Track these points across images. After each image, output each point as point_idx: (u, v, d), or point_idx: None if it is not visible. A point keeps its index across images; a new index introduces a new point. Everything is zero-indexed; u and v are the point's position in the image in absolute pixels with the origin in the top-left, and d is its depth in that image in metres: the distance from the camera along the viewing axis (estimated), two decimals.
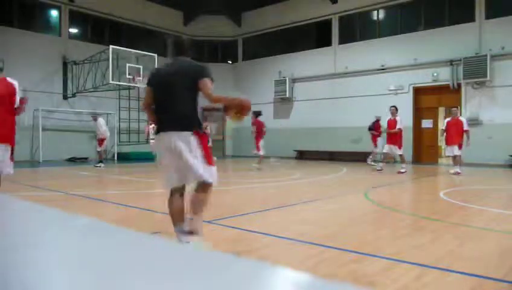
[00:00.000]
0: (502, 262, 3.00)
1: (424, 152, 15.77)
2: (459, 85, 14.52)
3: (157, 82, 3.27)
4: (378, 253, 3.14)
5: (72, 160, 15.53)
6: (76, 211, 2.67)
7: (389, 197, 6.95)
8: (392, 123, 10.85)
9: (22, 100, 4.43)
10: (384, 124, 11.50)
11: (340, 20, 17.80)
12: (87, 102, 16.59)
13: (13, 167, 4.62)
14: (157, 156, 13.91)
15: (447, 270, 2.74)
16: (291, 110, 19.22)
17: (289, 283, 0.47)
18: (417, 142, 15.67)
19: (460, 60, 14.19)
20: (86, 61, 15.68)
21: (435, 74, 14.94)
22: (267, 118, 19.36)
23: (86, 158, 15.46)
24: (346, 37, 17.61)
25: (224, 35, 21.63)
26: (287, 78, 18.82)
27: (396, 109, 11.00)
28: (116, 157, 16.98)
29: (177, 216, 3.20)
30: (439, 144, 16.47)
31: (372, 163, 12.87)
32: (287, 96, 18.86)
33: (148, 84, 3.35)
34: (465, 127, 10.32)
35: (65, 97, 16.38)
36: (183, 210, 3.24)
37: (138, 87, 15.25)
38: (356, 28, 17.47)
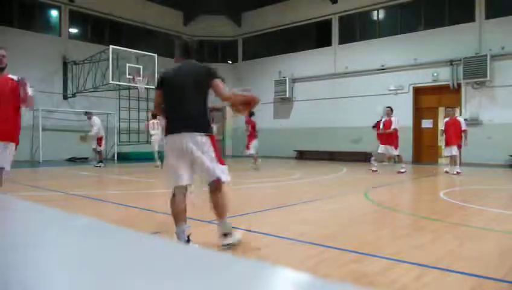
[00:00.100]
0: (502, 262, 3.00)
1: (424, 152, 15.77)
2: (459, 85, 14.52)
3: (168, 84, 3.30)
4: (378, 253, 3.14)
5: (72, 160, 15.53)
6: (76, 211, 2.67)
7: (389, 197, 6.95)
8: (387, 124, 10.86)
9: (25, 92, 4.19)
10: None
11: (340, 20, 17.80)
12: (87, 102, 16.58)
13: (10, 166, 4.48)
14: (160, 156, 13.95)
15: (447, 270, 2.74)
16: (291, 110, 19.22)
17: (289, 283, 0.47)
18: (417, 142, 15.68)
19: (460, 60, 14.19)
20: (86, 61, 15.68)
21: (435, 74, 14.94)
22: (267, 118, 19.41)
23: (86, 158, 15.45)
24: (346, 37, 17.61)
25: (224, 35, 21.63)
26: (287, 78, 18.82)
27: (392, 110, 11.03)
28: (116, 157, 16.98)
29: (179, 216, 3.23)
30: (439, 144, 16.46)
31: (385, 163, 12.88)
32: (287, 96, 18.86)
33: (159, 87, 3.39)
34: (463, 127, 10.33)
35: (65, 97, 16.38)
36: (185, 210, 3.27)
37: (138, 87, 15.24)
38: (356, 28, 17.48)
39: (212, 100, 3.51)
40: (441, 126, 11.18)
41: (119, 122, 17.29)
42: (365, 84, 16.55)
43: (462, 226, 4.20)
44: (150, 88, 16.05)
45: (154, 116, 13.61)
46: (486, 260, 3.04)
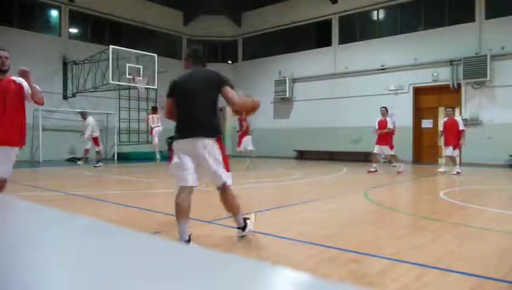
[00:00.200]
0: (502, 262, 3.00)
1: (424, 152, 15.76)
2: (459, 85, 14.51)
3: (180, 91, 3.42)
4: (378, 253, 3.14)
5: (72, 160, 15.52)
6: (76, 211, 2.67)
7: (389, 197, 6.95)
8: (382, 124, 10.87)
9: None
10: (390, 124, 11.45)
11: (340, 20, 17.80)
12: (87, 102, 16.58)
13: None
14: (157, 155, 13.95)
15: (447, 270, 2.74)
16: (291, 110, 19.22)
17: (289, 283, 0.47)
18: (417, 142, 15.67)
19: (460, 60, 14.19)
20: (86, 61, 15.68)
21: (435, 74, 14.94)
22: (267, 118, 19.41)
23: (86, 158, 15.45)
24: (346, 37, 17.61)
25: (224, 35, 21.63)
26: (287, 78, 18.81)
27: (387, 110, 11.04)
28: (116, 157, 16.97)
29: (182, 213, 3.30)
30: (439, 144, 16.48)
31: (392, 165, 12.85)
32: (287, 96, 18.85)
33: (170, 94, 3.49)
34: (461, 127, 10.34)
35: (65, 97, 16.38)
36: (189, 208, 3.35)
37: (138, 87, 15.24)
38: (356, 28, 17.47)
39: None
40: (440, 126, 11.17)
41: (119, 122, 17.29)
42: (365, 84, 16.55)
43: (462, 226, 4.20)
44: (149, 88, 16.06)
45: (154, 111, 13.65)
46: (486, 260, 3.04)
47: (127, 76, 14.79)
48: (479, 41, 14.07)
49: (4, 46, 4.23)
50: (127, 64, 14.84)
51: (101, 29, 17.97)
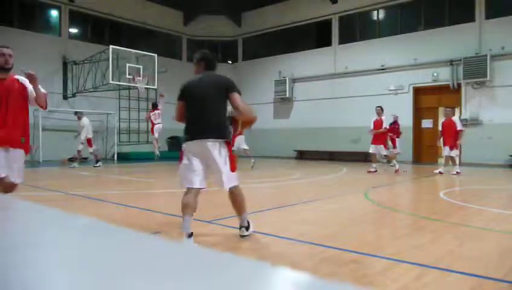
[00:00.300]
0: (502, 262, 3.00)
1: (424, 152, 15.76)
2: (459, 85, 14.52)
3: (190, 95, 3.55)
4: (378, 253, 3.14)
5: (72, 160, 15.52)
6: (76, 211, 2.67)
7: (389, 197, 6.95)
8: (378, 123, 10.86)
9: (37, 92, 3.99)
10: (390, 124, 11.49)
11: (340, 20, 17.80)
12: (87, 102, 16.58)
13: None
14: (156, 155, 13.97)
15: (447, 270, 2.74)
16: (291, 110, 19.22)
17: (289, 283, 0.47)
18: (417, 142, 15.67)
19: (460, 60, 14.19)
20: (86, 61, 15.68)
21: (435, 74, 14.94)
22: (267, 118, 19.43)
23: (85, 158, 15.45)
24: (346, 37, 17.61)
25: (224, 35, 21.63)
26: (287, 78, 18.82)
27: (382, 109, 11.04)
28: (116, 157, 16.98)
29: (189, 209, 3.37)
30: (438, 144, 16.49)
31: (391, 164, 12.87)
32: (287, 96, 18.86)
33: (181, 98, 3.60)
34: (458, 127, 10.33)
35: (65, 97, 16.38)
36: (195, 205, 3.44)
37: (138, 87, 15.24)
38: (356, 28, 17.47)
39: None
40: (440, 127, 11.18)
41: (119, 122, 17.30)
42: (365, 84, 16.55)
43: (462, 226, 4.20)
44: (149, 88, 16.06)
45: (155, 107, 13.67)
46: (486, 260, 3.04)
47: (127, 76, 14.79)
48: (479, 41, 14.07)
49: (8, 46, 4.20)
50: (127, 64, 14.84)
51: (101, 29, 17.97)
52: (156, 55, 15.55)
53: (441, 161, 15.96)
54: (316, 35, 19.00)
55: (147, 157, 15.64)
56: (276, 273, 0.48)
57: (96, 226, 0.76)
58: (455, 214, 4.94)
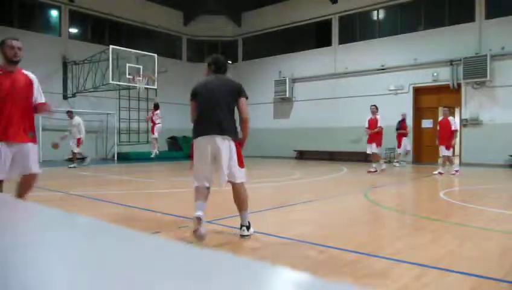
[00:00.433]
0: (502, 262, 3.00)
1: (424, 152, 15.76)
2: (459, 85, 14.51)
3: (203, 94, 3.71)
4: (378, 253, 3.14)
5: (72, 160, 15.52)
6: (77, 211, 2.67)
7: (389, 197, 6.95)
8: (372, 122, 10.84)
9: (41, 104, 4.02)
10: (393, 123, 11.48)
11: (340, 20, 17.79)
12: (87, 102, 16.58)
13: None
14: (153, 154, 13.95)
15: (447, 270, 2.74)
16: (291, 110, 19.22)
17: (289, 283, 0.47)
18: (417, 142, 15.67)
19: (460, 60, 14.19)
20: (86, 61, 15.67)
21: (435, 74, 14.94)
22: (267, 118, 19.43)
23: (85, 158, 15.45)
24: (346, 37, 17.61)
25: (224, 35, 21.62)
26: (287, 78, 18.81)
27: (377, 108, 11.00)
28: (116, 157, 16.97)
29: (201, 195, 3.58)
30: (436, 144, 16.51)
31: (397, 164, 12.87)
32: (287, 96, 18.85)
33: (194, 98, 3.77)
34: (453, 127, 10.31)
35: (65, 97, 16.37)
36: (207, 194, 3.66)
37: (138, 87, 15.24)
38: (356, 28, 17.47)
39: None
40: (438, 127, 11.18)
41: (119, 122, 17.29)
42: (365, 84, 16.54)
43: (462, 226, 4.20)
44: (149, 88, 16.05)
45: (156, 107, 13.68)
46: (486, 260, 3.04)
47: (127, 76, 14.79)
48: (479, 41, 14.07)
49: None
50: (127, 64, 14.84)
51: (101, 29, 17.96)
52: (156, 55, 15.55)
53: (440, 161, 16.01)
54: (316, 35, 18.99)
55: (146, 157, 15.64)
56: (276, 273, 0.48)
57: (96, 226, 0.76)
58: (455, 214, 4.95)
